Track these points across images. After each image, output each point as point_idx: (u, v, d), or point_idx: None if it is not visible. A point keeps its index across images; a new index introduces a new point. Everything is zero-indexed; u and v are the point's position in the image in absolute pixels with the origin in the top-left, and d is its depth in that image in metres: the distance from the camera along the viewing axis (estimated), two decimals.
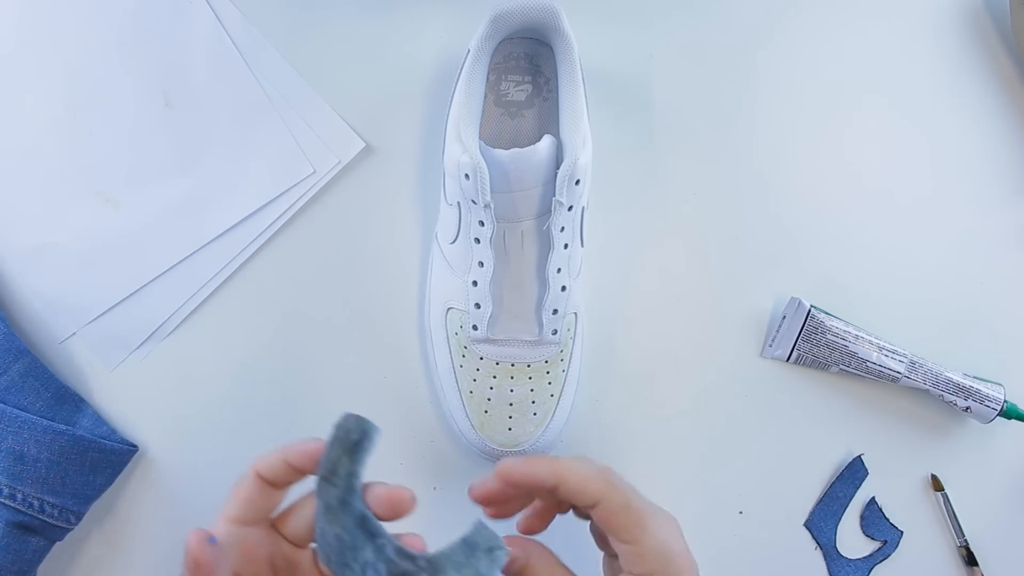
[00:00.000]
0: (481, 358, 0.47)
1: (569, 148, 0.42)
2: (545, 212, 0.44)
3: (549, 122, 0.49)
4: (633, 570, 0.35)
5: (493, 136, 0.49)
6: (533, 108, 0.49)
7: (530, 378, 0.47)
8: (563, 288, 0.45)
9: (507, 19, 0.43)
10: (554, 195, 0.42)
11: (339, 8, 0.52)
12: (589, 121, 0.45)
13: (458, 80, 0.45)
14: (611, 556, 0.38)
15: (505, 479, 0.36)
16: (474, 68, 0.44)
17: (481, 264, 0.45)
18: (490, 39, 0.44)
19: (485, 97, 0.47)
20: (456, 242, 0.46)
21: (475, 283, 0.45)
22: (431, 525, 0.50)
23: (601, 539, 0.39)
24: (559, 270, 0.45)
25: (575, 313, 0.48)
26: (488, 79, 0.48)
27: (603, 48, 0.52)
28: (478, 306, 0.46)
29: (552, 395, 0.47)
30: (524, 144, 0.44)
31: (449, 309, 0.47)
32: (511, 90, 0.49)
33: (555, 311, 0.46)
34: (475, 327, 0.46)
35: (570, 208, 0.43)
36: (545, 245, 0.45)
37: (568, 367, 0.48)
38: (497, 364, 0.47)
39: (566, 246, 0.45)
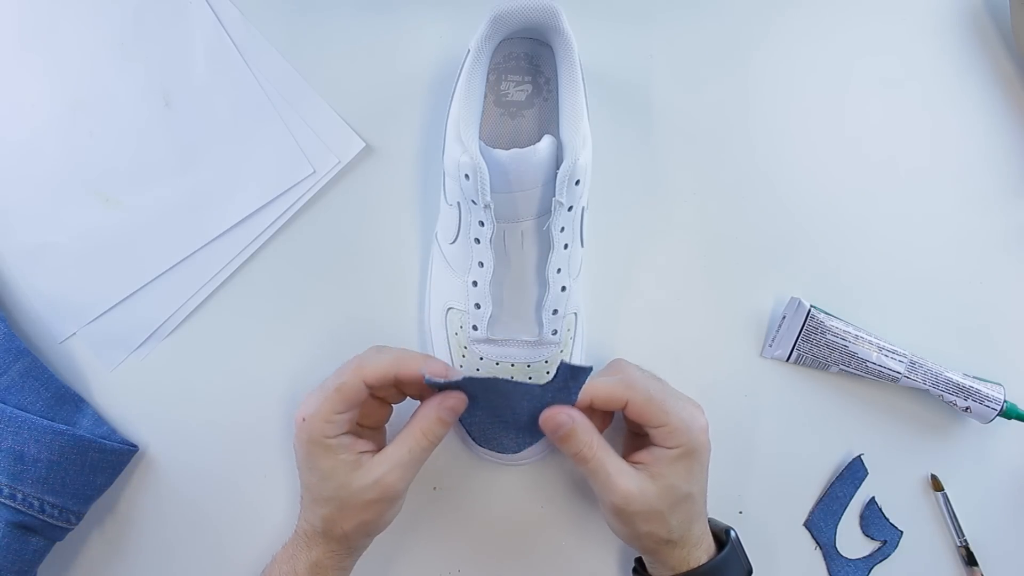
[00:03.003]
0: (481, 358, 0.47)
1: (569, 148, 0.42)
2: (545, 212, 0.44)
3: (549, 122, 0.49)
4: (665, 444, 0.42)
5: (493, 136, 0.49)
6: (533, 108, 0.49)
7: (530, 378, 0.47)
8: (563, 288, 0.45)
9: (507, 19, 0.43)
10: (554, 195, 0.42)
11: (339, 8, 0.52)
12: (589, 121, 0.45)
13: (458, 80, 0.45)
14: (633, 434, 0.47)
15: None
16: (474, 68, 0.44)
17: (481, 264, 0.45)
18: (490, 39, 0.44)
19: (485, 97, 0.47)
20: (456, 242, 0.46)
21: (475, 283, 0.45)
22: (431, 525, 0.50)
23: (633, 426, 0.46)
24: (559, 270, 0.45)
25: (575, 313, 0.48)
26: (488, 79, 0.48)
27: (603, 48, 0.52)
28: (478, 306, 0.46)
29: None
30: (524, 144, 0.44)
31: (449, 309, 0.47)
32: (511, 90, 0.49)
33: (555, 311, 0.46)
34: (475, 327, 0.46)
35: (570, 208, 0.43)
36: (545, 245, 0.45)
37: None
38: (497, 364, 0.47)
39: (566, 246, 0.44)
